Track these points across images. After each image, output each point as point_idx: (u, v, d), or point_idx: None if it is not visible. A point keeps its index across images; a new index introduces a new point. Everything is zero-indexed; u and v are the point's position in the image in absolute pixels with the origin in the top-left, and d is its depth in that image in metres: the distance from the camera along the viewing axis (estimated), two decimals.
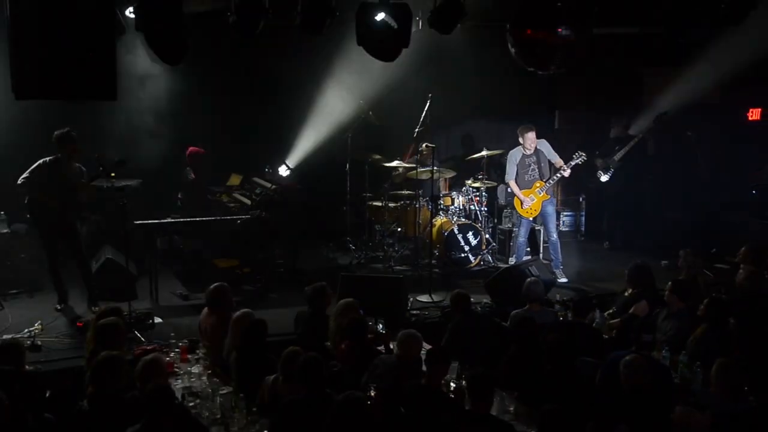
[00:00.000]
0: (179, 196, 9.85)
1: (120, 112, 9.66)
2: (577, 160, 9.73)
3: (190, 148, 9.84)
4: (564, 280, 9.76)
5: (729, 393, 5.21)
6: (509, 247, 10.76)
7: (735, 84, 11.36)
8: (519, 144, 9.87)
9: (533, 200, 9.84)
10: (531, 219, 10.02)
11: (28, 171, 8.09)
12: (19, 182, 8.08)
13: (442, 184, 11.32)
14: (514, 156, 9.92)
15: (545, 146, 9.89)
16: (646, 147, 10.72)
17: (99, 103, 9.14)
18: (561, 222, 12.06)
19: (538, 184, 9.81)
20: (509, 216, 11.20)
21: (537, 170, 9.84)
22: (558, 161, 9.82)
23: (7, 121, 9.18)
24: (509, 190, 10.37)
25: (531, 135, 9.74)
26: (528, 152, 9.82)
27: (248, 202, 9.54)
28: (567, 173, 9.80)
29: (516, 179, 9.89)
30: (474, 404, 4.98)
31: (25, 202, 8.19)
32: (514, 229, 10.54)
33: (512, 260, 10.34)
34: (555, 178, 9.84)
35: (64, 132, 8.12)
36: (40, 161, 8.13)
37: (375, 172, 10.99)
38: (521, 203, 9.87)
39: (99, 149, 8.54)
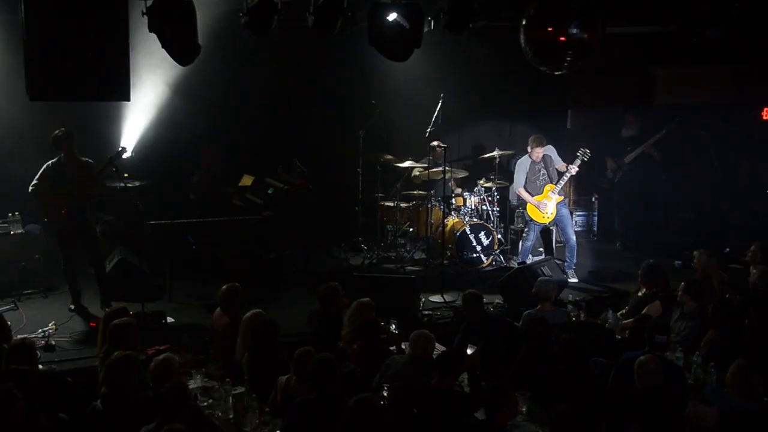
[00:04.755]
0: (191, 197, 9.88)
1: (135, 113, 9.68)
2: (583, 157, 9.67)
3: (205, 150, 9.86)
4: (574, 280, 9.73)
5: (745, 394, 5.19)
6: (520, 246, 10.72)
7: (749, 83, 11.30)
8: (527, 151, 9.87)
9: (547, 204, 9.80)
10: (542, 224, 10.01)
11: (36, 177, 8.18)
12: (30, 189, 8.18)
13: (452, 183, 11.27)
14: (523, 164, 9.92)
15: (552, 152, 9.90)
16: (652, 156, 10.72)
17: (113, 104, 9.19)
18: (573, 222, 12.01)
19: (548, 188, 9.78)
20: (521, 216, 11.18)
21: (546, 174, 9.83)
22: (562, 165, 9.83)
23: (20, 123, 9.22)
24: (518, 197, 10.34)
25: (540, 150, 9.75)
26: (536, 160, 9.82)
27: (260, 202, 9.56)
28: (574, 171, 9.75)
29: (526, 186, 9.88)
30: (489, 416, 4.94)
31: (38, 206, 8.29)
32: (525, 229, 10.50)
33: (515, 260, 10.33)
34: (565, 178, 9.81)
35: (60, 133, 8.15)
36: (45, 164, 8.21)
37: (387, 172, 10.98)
38: (538, 209, 9.83)
39: (112, 150, 8.56)
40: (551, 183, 9.81)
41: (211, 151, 9.87)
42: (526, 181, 9.89)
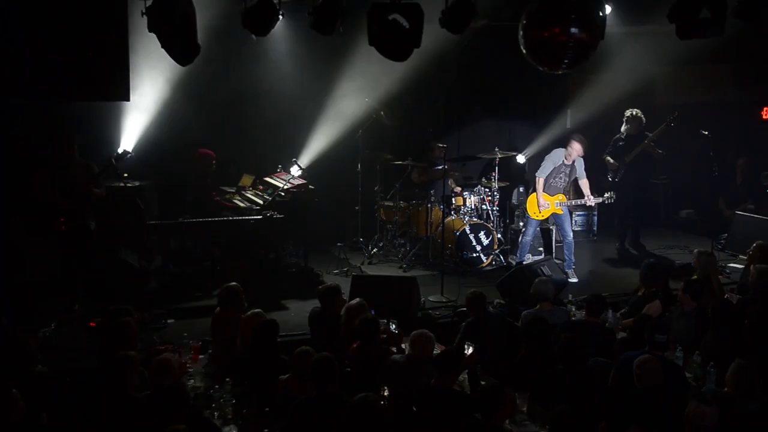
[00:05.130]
0: (188, 197, 9.87)
1: (135, 113, 9.68)
2: (607, 200, 9.92)
3: (200, 150, 9.86)
4: (574, 279, 9.74)
5: (745, 393, 5.19)
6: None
7: (749, 83, 11.31)
8: (562, 147, 9.92)
9: (547, 207, 9.82)
10: (538, 220, 10.05)
11: (36, 177, 8.19)
12: (29, 189, 8.18)
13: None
14: (554, 157, 9.91)
15: (580, 163, 9.91)
16: (652, 155, 10.76)
17: (113, 104, 9.18)
18: (573, 222, 12.02)
19: (560, 197, 9.81)
20: (521, 215, 11.19)
21: (563, 181, 9.86)
22: (584, 181, 9.91)
23: (20, 123, 9.21)
24: (520, 189, 10.32)
25: (578, 147, 9.76)
26: (567, 162, 9.83)
27: (260, 202, 9.56)
28: (591, 203, 10.05)
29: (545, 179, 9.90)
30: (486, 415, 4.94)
31: (38, 206, 8.28)
32: (522, 227, 10.53)
33: (514, 258, 10.33)
34: (578, 202, 10.01)
35: (60, 133, 8.16)
36: (45, 165, 8.22)
37: (387, 172, 10.98)
38: (537, 204, 9.83)
39: (112, 151, 8.57)
40: (563, 193, 9.84)
41: (206, 151, 9.84)
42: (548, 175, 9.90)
